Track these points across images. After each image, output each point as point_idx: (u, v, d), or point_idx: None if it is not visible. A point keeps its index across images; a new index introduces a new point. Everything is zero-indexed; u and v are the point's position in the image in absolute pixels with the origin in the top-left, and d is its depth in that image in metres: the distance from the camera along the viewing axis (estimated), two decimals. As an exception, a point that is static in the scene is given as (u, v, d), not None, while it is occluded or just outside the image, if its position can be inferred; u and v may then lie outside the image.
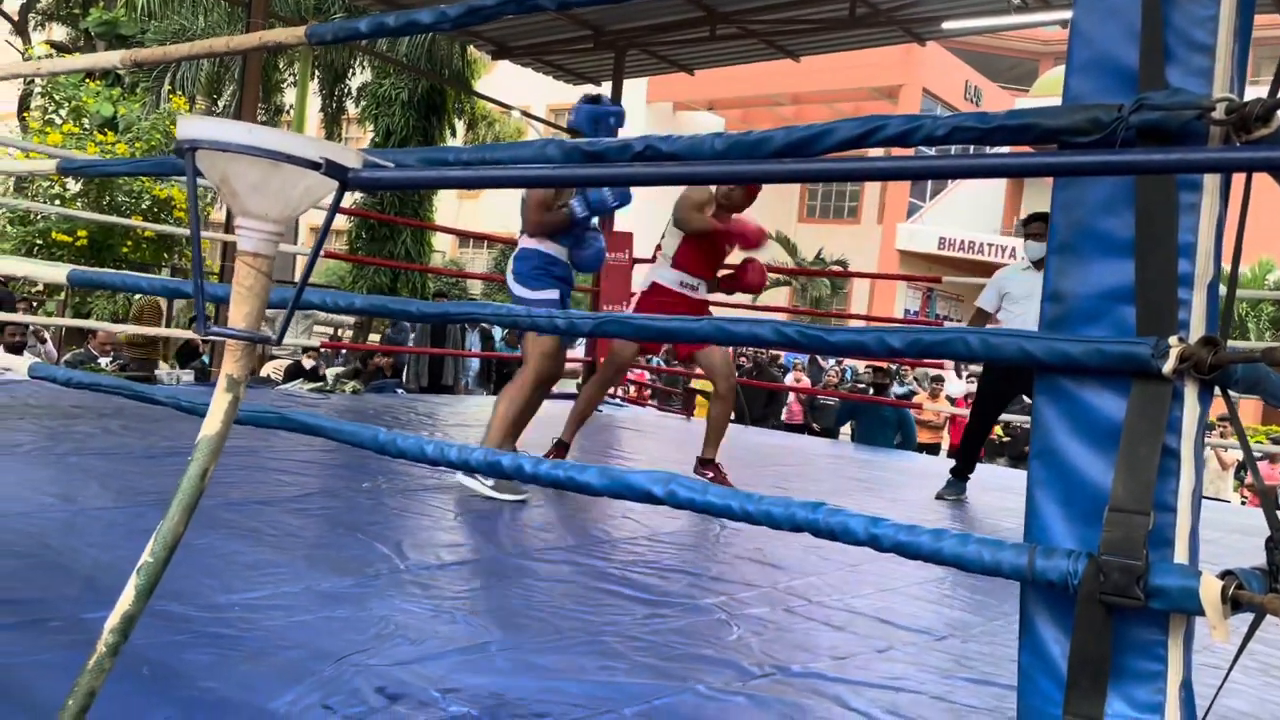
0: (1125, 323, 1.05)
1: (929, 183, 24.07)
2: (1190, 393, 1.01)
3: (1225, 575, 0.94)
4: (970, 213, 24.20)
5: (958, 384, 13.01)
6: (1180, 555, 1.01)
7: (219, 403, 0.99)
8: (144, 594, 0.95)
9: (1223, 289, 1.09)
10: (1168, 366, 0.99)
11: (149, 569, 0.95)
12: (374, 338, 12.87)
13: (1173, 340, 0.99)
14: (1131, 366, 1.01)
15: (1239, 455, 9.15)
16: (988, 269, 23.56)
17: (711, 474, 4.09)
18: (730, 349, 5.01)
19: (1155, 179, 1.02)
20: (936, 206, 24.31)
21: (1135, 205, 1.04)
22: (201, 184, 1.48)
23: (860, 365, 13.16)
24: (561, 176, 1.65)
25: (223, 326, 0.99)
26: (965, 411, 9.73)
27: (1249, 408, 15.60)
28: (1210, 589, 0.93)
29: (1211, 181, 1.02)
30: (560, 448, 4.14)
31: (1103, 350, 1.02)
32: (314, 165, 0.95)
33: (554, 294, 3.55)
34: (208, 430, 0.98)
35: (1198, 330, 1.02)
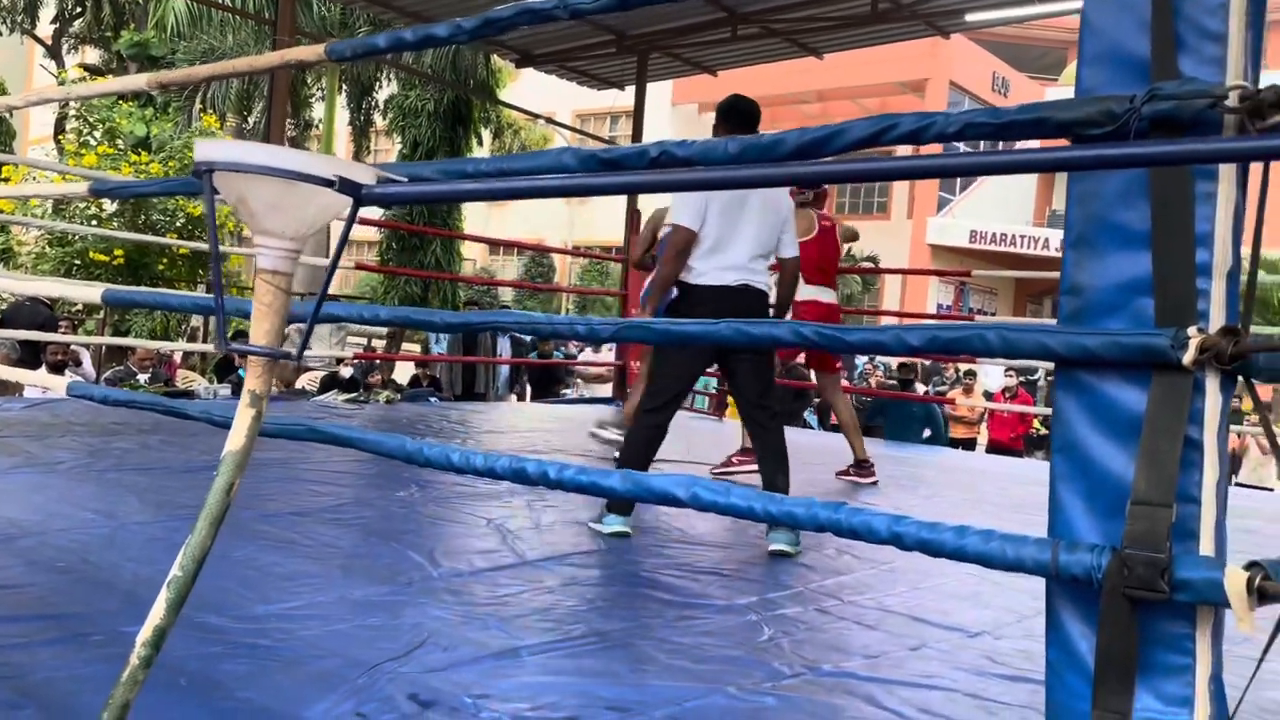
0: (1144, 314, 1.04)
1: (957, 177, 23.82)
2: (1211, 383, 1.00)
3: (1251, 566, 0.93)
4: (1001, 205, 23.93)
5: (995, 378, 12.87)
6: (1206, 547, 1.00)
7: (242, 418, 1.01)
8: (174, 607, 0.97)
9: (1243, 278, 1.07)
10: (1188, 357, 0.97)
11: (178, 583, 0.97)
12: (413, 347, 12.92)
13: (1192, 331, 0.98)
14: (1151, 358, 1.00)
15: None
16: (1020, 261, 23.13)
17: None
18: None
19: (1170, 169, 1.01)
20: (966, 200, 24.07)
21: (1151, 196, 1.03)
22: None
23: (893, 362, 13.06)
24: (578, 185, 1.66)
25: (245, 342, 1.01)
26: (1002, 406, 9.70)
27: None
28: (1235, 580, 0.92)
29: (1227, 170, 1.01)
30: None
31: (1121, 343, 1.01)
32: (327, 183, 0.97)
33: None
34: (232, 446, 0.99)
35: (1218, 320, 1.01)
